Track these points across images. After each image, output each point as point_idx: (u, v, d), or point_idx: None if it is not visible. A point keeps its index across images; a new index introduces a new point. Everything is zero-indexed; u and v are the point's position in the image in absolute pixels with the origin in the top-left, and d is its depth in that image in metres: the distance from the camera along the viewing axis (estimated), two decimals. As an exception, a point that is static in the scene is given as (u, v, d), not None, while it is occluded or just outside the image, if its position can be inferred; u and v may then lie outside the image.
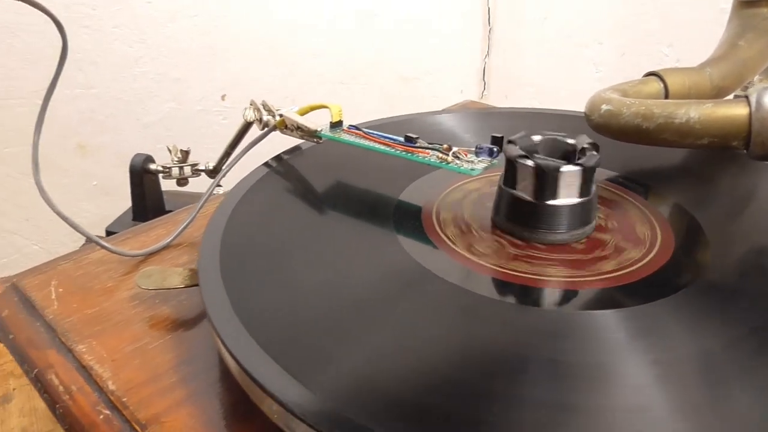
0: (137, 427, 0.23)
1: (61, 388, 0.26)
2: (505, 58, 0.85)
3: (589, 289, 0.26)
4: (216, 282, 0.26)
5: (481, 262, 0.27)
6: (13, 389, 0.54)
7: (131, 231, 0.36)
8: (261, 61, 0.78)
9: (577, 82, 0.75)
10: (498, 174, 0.30)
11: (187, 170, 0.50)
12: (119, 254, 0.32)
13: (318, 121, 0.35)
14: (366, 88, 0.82)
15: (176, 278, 0.29)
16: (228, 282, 0.26)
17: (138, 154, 0.50)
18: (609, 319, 0.24)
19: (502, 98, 0.85)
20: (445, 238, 0.29)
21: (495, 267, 0.27)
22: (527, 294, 0.26)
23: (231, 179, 0.54)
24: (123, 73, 0.70)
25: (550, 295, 0.26)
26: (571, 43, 0.75)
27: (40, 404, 0.52)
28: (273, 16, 0.76)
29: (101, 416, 0.24)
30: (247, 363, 0.21)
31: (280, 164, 0.36)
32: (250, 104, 0.39)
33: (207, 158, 0.49)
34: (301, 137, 0.35)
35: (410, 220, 0.30)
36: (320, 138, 0.33)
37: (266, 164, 0.36)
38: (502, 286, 0.26)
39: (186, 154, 0.49)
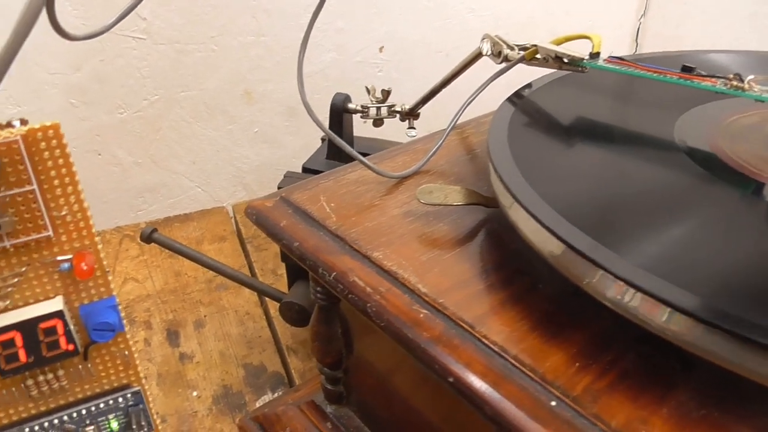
0: (464, 325, 0.24)
1: (368, 289, 0.27)
2: (665, 20, 0.82)
3: None
4: (520, 181, 0.26)
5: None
6: (204, 316, 0.57)
7: (377, 156, 0.37)
8: (417, 14, 0.77)
9: (758, 45, 0.70)
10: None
11: (384, 111, 0.50)
12: (384, 175, 0.33)
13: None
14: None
15: (457, 195, 0.30)
16: (532, 182, 0.26)
17: (338, 94, 0.51)
18: None
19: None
20: (739, 161, 0.28)
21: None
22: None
23: (424, 123, 0.54)
24: (291, 21, 0.71)
25: None
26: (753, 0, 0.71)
27: (233, 330, 0.55)
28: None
29: (421, 315, 0.25)
30: (573, 241, 0.23)
31: (534, 93, 0.36)
32: (485, 38, 0.38)
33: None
34: (559, 67, 0.34)
35: (697, 148, 0.29)
36: (584, 67, 0.33)
37: (517, 94, 0.36)
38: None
39: (387, 94, 0.50)
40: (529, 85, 0.38)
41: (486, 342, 0.23)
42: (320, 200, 0.33)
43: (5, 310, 0.22)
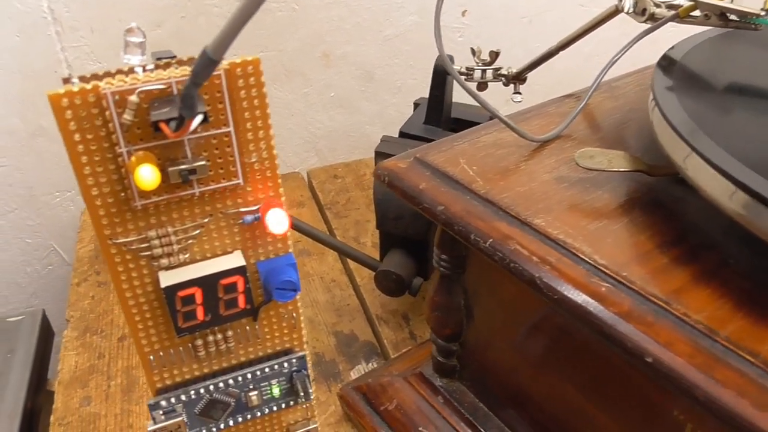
0: (657, 301, 0.22)
1: (535, 258, 0.25)
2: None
3: None
4: (700, 136, 0.24)
5: None
6: (289, 281, 0.55)
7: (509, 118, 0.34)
8: (502, -23, 0.74)
9: None
10: None
11: (489, 74, 0.48)
12: (528, 138, 0.31)
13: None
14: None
15: (622, 161, 0.27)
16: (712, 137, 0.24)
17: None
18: None
19: None
20: None
21: None
22: None
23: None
24: (374, -19, 0.69)
25: None
26: None
27: (320, 297, 0.53)
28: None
29: (603, 288, 0.23)
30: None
31: (688, 53, 0.33)
32: (626, -6, 0.35)
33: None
34: (724, 25, 0.31)
35: None
36: (757, 25, 0.30)
37: (665, 57, 0.33)
38: None
39: (495, 55, 0.47)
40: (672, 48, 0.35)
41: (688, 321, 0.21)
42: (460, 163, 0.30)
43: (184, 263, 0.20)
